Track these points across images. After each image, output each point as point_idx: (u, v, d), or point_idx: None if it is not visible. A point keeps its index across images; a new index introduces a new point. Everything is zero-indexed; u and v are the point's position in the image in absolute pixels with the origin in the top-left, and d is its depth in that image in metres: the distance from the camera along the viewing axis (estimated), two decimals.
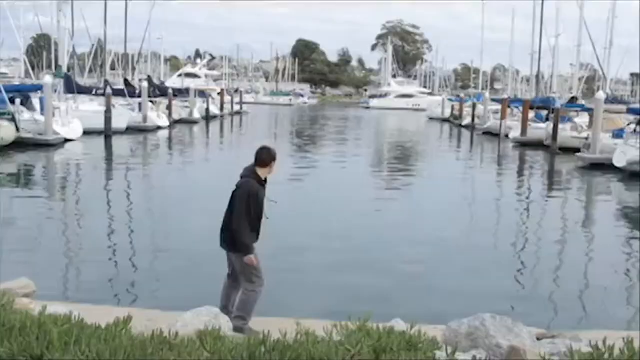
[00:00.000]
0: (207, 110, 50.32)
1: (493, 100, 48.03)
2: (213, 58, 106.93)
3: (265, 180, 5.83)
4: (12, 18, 32.68)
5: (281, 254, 9.33)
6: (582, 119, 33.68)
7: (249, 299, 5.78)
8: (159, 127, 38.47)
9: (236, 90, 78.31)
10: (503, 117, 39.27)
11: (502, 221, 14.81)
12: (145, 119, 37.17)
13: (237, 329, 5.40)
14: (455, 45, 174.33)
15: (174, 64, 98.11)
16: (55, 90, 30.65)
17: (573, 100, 38.89)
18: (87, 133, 29.81)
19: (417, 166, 27.22)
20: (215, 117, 52.48)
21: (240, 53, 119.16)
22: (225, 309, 5.80)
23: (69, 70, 35.33)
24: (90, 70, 45.57)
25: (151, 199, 16.85)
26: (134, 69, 51.09)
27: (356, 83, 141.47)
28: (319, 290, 8.51)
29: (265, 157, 5.72)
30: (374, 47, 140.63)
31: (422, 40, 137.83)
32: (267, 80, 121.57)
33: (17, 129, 25.51)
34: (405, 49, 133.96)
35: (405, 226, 13.29)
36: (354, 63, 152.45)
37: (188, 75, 69.74)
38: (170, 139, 35.51)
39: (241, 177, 5.81)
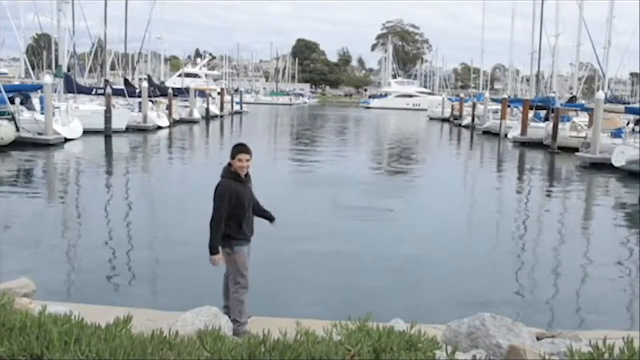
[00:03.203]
0: (207, 110, 50.35)
1: (493, 100, 48.08)
2: (213, 58, 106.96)
3: (247, 176, 5.76)
4: (12, 18, 32.60)
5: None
6: (582, 119, 33.74)
7: (235, 300, 5.76)
8: (159, 127, 38.49)
9: (236, 90, 78.44)
10: (503, 117, 39.37)
11: (502, 220, 14.80)
12: (145, 118, 37.18)
13: (234, 332, 5.39)
14: (455, 45, 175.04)
15: (174, 63, 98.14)
16: (56, 90, 30.67)
17: (572, 100, 38.96)
18: (87, 133, 29.84)
19: (419, 167, 27.18)
20: (215, 117, 52.52)
21: (241, 53, 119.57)
22: (227, 308, 5.81)
23: (69, 70, 35.34)
24: (91, 70, 45.62)
25: (151, 198, 16.86)
26: (134, 68, 51.09)
27: (356, 83, 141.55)
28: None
29: (231, 151, 5.72)
30: (374, 47, 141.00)
31: (422, 40, 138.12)
32: (267, 80, 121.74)
33: (17, 129, 25.55)
34: (406, 49, 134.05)
35: (408, 227, 13.30)
36: (354, 63, 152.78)
37: (188, 75, 69.69)
38: (170, 139, 35.51)
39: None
